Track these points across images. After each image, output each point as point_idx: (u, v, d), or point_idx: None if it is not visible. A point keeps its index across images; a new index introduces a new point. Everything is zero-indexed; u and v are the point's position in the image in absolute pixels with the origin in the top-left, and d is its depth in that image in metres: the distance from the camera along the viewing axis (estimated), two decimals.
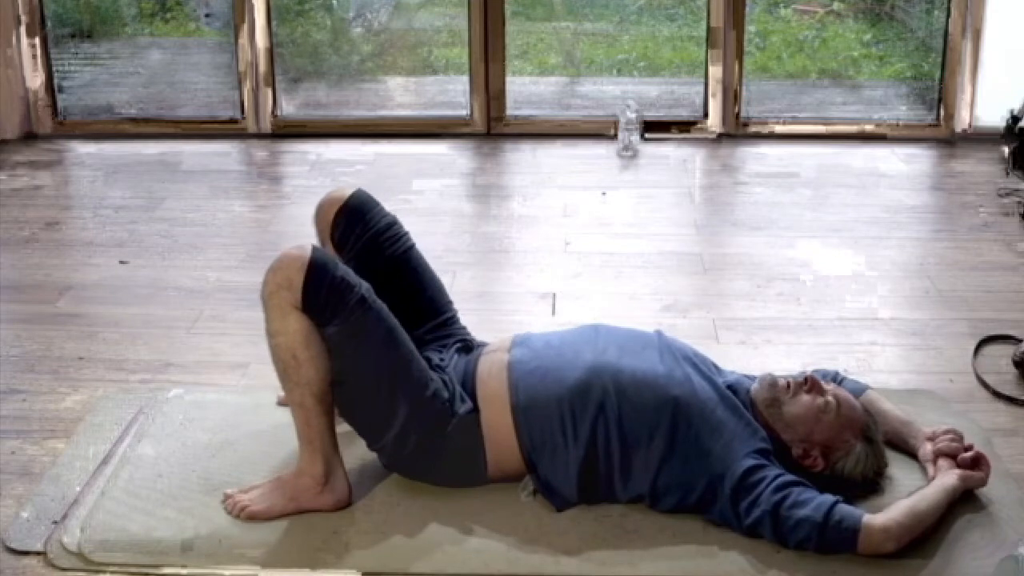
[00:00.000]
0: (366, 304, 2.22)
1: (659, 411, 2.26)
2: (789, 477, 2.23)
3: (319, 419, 2.26)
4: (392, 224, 2.56)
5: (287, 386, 2.25)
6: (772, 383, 2.36)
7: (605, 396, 2.27)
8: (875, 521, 2.16)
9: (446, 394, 2.31)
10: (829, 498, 2.19)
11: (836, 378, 2.53)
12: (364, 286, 2.24)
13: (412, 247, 2.58)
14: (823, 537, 2.15)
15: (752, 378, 2.46)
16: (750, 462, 2.22)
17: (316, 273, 2.17)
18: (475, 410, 2.32)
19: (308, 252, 2.20)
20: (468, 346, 2.54)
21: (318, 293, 2.17)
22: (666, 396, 2.27)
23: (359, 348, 2.24)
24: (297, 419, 2.27)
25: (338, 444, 2.32)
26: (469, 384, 2.37)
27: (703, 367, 2.41)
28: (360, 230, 2.51)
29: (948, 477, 2.31)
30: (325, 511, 2.30)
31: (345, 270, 2.24)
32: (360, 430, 2.35)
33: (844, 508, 2.18)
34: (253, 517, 2.28)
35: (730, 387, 2.39)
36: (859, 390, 2.51)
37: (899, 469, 2.41)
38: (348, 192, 2.55)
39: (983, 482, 2.35)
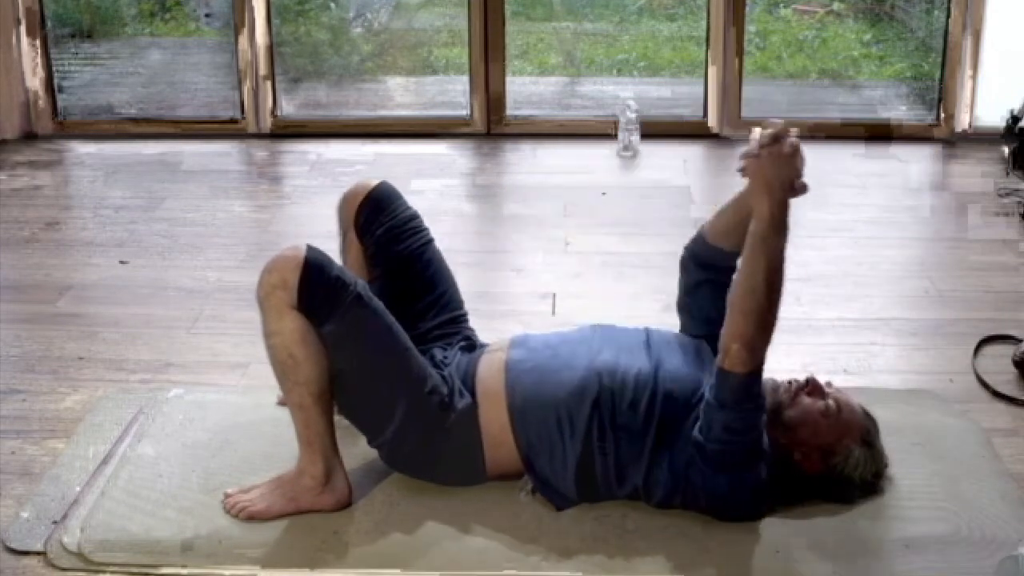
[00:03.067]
0: (362, 301, 2.23)
1: (650, 407, 2.27)
2: None
3: (318, 419, 2.26)
4: (413, 217, 2.60)
5: (285, 386, 2.25)
6: (773, 388, 2.36)
7: (601, 394, 2.28)
8: (724, 344, 2.13)
9: (445, 389, 2.32)
10: None
11: (686, 246, 2.50)
12: (360, 283, 2.25)
13: (430, 242, 2.61)
14: (716, 400, 2.15)
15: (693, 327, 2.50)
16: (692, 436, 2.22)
17: (311, 272, 2.18)
18: (474, 404, 2.32)
19: (303, 252, 2.21)
20: (472, 345, 2.55)
21: (314, 292, 2.18)
22: (656, 392, 2.28)
23: (356, 345, 2.24)
24: (296, 420, 2.27)
25: (337, 444, 2.32)
26: (469, 381, 2.37)
27: (695, 354, 2.42)
28: (382, 219, 2.54)
29: (754, 205, 2.18)
30: (325, 511, 2.30)
31: (340, 268, 2.25)
32: (360, 426, 2.36)
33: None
34: (253, 517, 2.28)
35: None
36: (701, 233, 2.47)
37: (899, 470, 2.41)
38: (374, 183, 2.60)
39: (782, 163, 2.19)
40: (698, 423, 2.22)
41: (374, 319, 2.26)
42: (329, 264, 2.23)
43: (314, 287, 2.18)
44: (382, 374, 2.27)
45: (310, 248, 2.23)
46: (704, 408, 2.20)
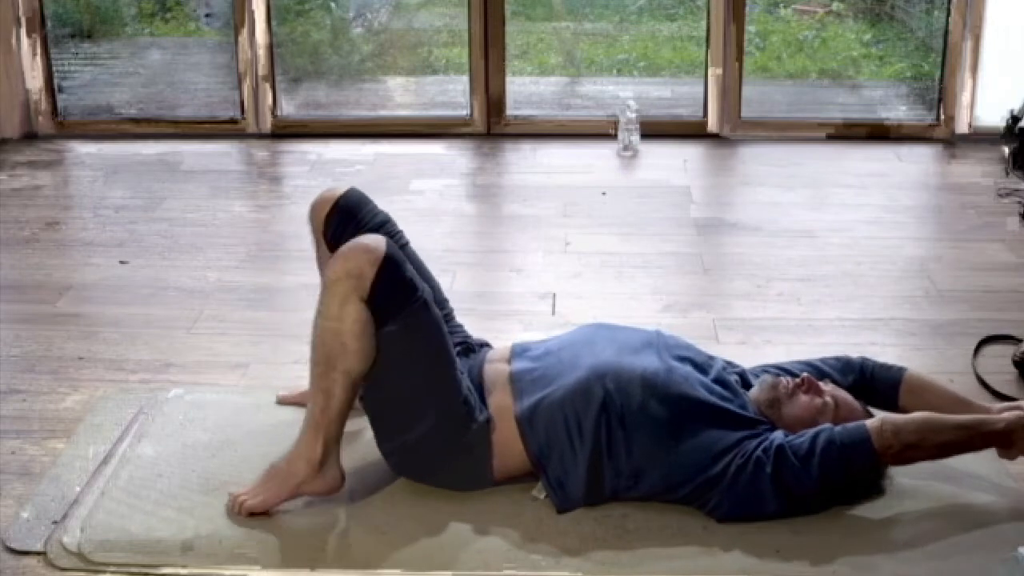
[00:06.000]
0: (428, 308, 2.22)
1: (661, 407, 2.27)
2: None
3: (339, 408, 2.22)
4: (385, 222, 2.55)
5: (322, 370, 2.20)
6: (773, 384, 2.38)
7: (607, 396, 2.28)
8: (885, 417, 2.22)
9: (473, 400, 2.31)
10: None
11: (866, 363, 2.52)
12: (426, 289, 2.24)
13: (406, 245, 2.57)
14: (842, 447, 2.19)
15: (766, 370, 2.50)
16: (769, 442, 2.25)
17: (389, 269, 2.16)
18: (490, 418, 2.32)
19: (383, 246, 2.18)
20: (468, 347, 2.54)
21: (386, 290, 2.16)
22: (667, 392, 2.28)
23: (409, 352, 2.22)
24: (316, 403, 2.23)
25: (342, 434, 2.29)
26: (477, 390, 2.36)
27: (704, 364, 2.43)
28: (353, 228, 2.48)
29: (993, 415, 2.30)
30: (317, 495, 2.29)
31: (412, 271, 2.23)
32: (380, 427, 2.33)
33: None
34: (252, 512, 2.27)
35: (739, 375, 2.46)
36: (894, 378, 2.49)
37: (900, 470, 2.41)
38: (340, 191, 2.54)
39: None
40: (795, 439, 2.23)
41: (433, 328, 2.24)
42: (404, 264, 2.21)
43: (388, 285, 2.16)
44: (424, 384, 2.26)
45: (389, 243, 2.21)
46: (821, 437, 2.21)
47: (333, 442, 2.28)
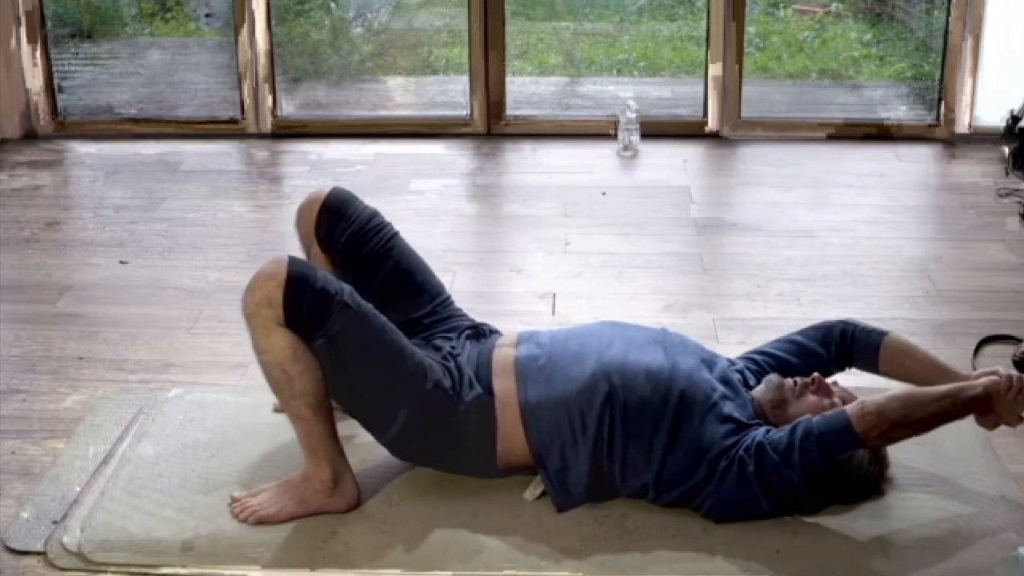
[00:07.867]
0: (349, 309, 2.20)
1: (663, 404, 2.27)
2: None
3: (319, 427, 2.24)
4: (373, 216, 2.57)
5: (282, 399, 2.24)
6: (778, 384, 2.37)
7: (612, 390, 2.28)
8: (866, 399, 2.19)
9: (448, 382, 2.30)
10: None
11: (847, 328, 2.51)
12: (346, 291, 2.21)
13: (396, 235, 2.57)
14: (820, 437, 2.17)
15: (758, 361, 2.50)
16: (751, 439, 2.24)
17: (295, 287, 2.15)
18: (489, 396, 2.31)
19: (284, 266, 2.17)
20: (478, 332, 2.54)
21: (300, 308, 2.15)
22: (670, 390, 2.28)
23: (349, 356, 2.22)
24: (297, 430, 2.26)
25: (342, 446, 2.31)
26: (485, 373, 2.36)
27: (708, 361, 2.43)
28: (344, 225, 2.51)
29: (972, 381, 2.27)
30: (336, 513, 2.29)
31: (325, 277, 2.21)
32: (365, 427, 2.34)
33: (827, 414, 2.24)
34: (263, 521, 2.27)
35: (739, 372, 2.46)
36: (874, 343, 2.47)
37: (900, 470, 2.41)
38: (326, 191, 2.57)
39: (1015, 406, 2.24)
40: (775, 434, 2.23)
41: (363, 325, 2.23)
42: (312, 275, 2.19)
43: (299, 302, 2.15)
44: (379, 380, 2.25)
45: (292, 261, 2.19)
46: (799, 429, 2.20)
47: (337, 458, 2.29)
